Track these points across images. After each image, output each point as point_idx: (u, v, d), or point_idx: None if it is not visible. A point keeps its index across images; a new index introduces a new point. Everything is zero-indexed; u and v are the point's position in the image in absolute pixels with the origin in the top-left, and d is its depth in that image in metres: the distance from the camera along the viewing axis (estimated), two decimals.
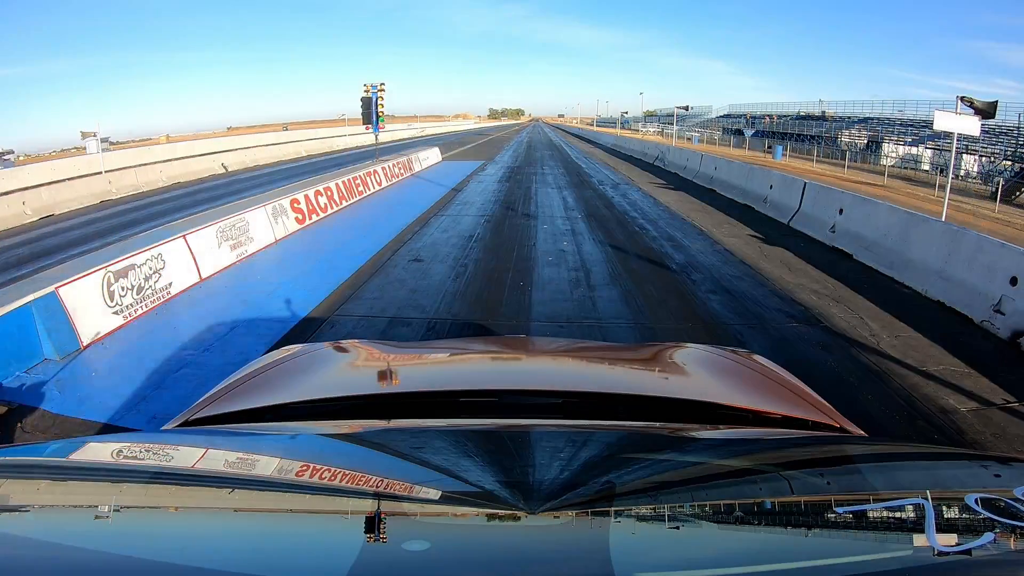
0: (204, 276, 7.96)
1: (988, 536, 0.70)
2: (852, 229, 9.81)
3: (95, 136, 26.15)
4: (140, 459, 1.06)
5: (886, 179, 24.77)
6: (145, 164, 24.11)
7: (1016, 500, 0.78)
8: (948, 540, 0.70)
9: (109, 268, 6.23)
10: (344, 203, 14.13)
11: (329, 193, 13.43)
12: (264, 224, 10.16)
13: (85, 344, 5.73)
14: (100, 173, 19.85)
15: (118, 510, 0.84)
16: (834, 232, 10.28)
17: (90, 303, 5.92)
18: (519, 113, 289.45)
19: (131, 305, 6.45)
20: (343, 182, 14.59)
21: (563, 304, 7.06)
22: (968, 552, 0.68)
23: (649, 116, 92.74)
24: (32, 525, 0.80)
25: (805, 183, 12.24)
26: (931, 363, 5.46)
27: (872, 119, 42.65)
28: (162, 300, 7.00)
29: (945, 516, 0.79)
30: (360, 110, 20.37)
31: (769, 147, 39.58)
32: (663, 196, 16.54)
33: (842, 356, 5.57)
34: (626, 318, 6.66)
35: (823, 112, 50.10)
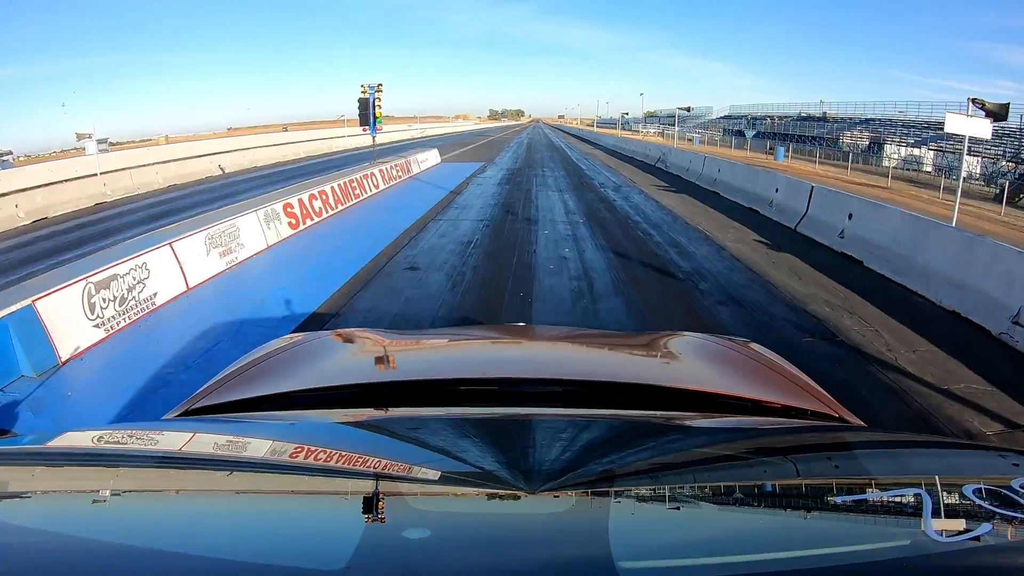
0: (191, 285, 7.68)
1: (985, 526, 0.70)
2: (862, 235, 9.54)
3: (91, 137, 25.91)
4: (140, 447, 1.07)
5: (889, 181, 24.57)
6: (141, 166, 23.81)
7: (1014, 491, 0.77)
8: (945, 529, 0.69)
9: (90, 279, 5.96)
10: (340, 207, 13.85)
11: (324, 197, 13.16)
12: (256, 230, 9.89)
13: (64, 360, 5.47)
14: (96, 175, 19.59)
15: (118, 495, 0.85)
16: (843, 238, 10.02)
17: (69, 316, 5.65)
18: (519, 114, 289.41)
19: (113, 317, 6.18)
20: (339, 185, 14.30)
21: (565, 317, 6.77)
22: (965, 542, 0.68)
23: (650, 117, 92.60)
24: (32, 513, 0.80)
25: (812, 187, 11.97)
26: (951, 380, 5.21)
27: (874, 120, 42.45)
28: (146, 311, 6.73)
29: (943, 506, 0.78)
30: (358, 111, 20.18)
31: (771, 148, 39.40)
32: (666, 199, 16.29)
33: (860, 373, 5.31)
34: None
35: (824, 113, 49.93)
